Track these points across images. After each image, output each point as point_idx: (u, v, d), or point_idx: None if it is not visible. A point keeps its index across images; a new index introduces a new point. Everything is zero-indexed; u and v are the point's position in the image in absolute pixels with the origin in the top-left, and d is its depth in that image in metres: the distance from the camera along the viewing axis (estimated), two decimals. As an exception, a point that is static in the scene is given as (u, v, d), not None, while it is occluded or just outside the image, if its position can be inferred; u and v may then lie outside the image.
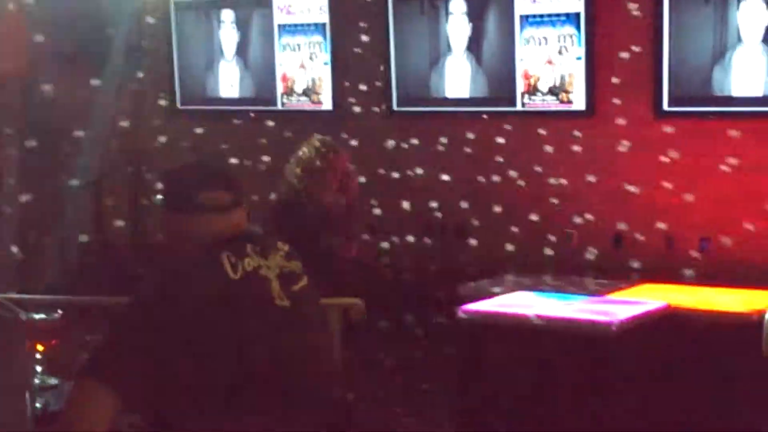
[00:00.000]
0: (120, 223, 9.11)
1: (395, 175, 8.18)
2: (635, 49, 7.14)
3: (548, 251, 7.41)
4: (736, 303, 5.86)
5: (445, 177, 7.94)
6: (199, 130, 8.86)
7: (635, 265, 7.12)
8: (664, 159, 7.09)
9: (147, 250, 8.50)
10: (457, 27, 7.78)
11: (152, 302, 2.35)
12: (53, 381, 3.11)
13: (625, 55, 7.18)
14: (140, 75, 9.18)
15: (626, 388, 5.34)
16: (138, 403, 2.33)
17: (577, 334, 5.31)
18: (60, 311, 3.23)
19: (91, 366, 2.32)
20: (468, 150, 7.85)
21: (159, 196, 2.57)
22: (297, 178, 5.21)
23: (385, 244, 8.25)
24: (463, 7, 7.73)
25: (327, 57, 8.39)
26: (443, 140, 7.95)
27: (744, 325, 5.21)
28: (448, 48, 7.81)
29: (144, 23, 9.19)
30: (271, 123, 8.55)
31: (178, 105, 9.22)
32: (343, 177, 5.24)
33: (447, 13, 7.81)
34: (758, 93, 6.71)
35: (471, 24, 7.71)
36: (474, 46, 7.72)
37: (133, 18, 9.03)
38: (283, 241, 4.84)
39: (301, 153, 5.31)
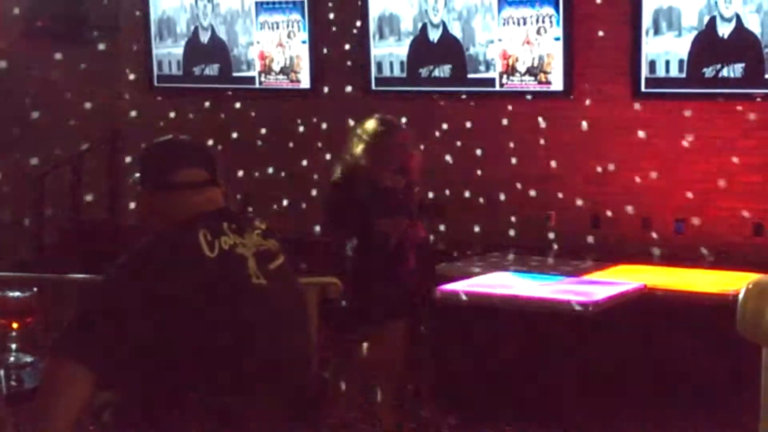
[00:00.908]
0: (95, 200, 9.05)
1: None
2: (613, 29, 7.16)
3: (531, 232, 7.43)
4: (711, 283, 5.90)
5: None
6: (174, 109, 8.80)
7: (613, 245, 7.15)
8: (642, 140, 7.12)
9: (123, 228, 8.44)
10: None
11: (126, 279, 2.33)
12: (28, 359, 3.08)
13: (603, 35, 7.19)
14: (115, 52, 9.10)
15: (603, 367, 5.36)
16: (113, 380, 2.32)
17: (554, 314, 5.32)
18: (34, 289, 3.21)
19: (67, 343, 2.30)
20: (443, 130, 7.85)
21: (136, 174, 2.54)
22: (354, 157, 4.97)
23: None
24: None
25: (305, 35, 8.35)
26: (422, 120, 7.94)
27: (719, 304, 5.24)
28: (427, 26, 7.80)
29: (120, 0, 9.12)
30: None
31: (154, 82, 9.14)
32: (402, 156, 4.96)
33: (426, -8, 7.79)
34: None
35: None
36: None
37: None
38: (337, 222, 4.83)
39: (359, 131, 5.02)
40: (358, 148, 5.03)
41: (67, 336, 2.33)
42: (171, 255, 2.35)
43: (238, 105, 8.68)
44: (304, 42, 8.37)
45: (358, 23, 8.05)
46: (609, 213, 7.25)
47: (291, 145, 8.52)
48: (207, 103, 8.78)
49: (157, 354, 2.30)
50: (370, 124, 5.07)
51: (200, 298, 2.32)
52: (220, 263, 2.36)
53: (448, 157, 7.79)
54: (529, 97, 7.43)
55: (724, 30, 6.78)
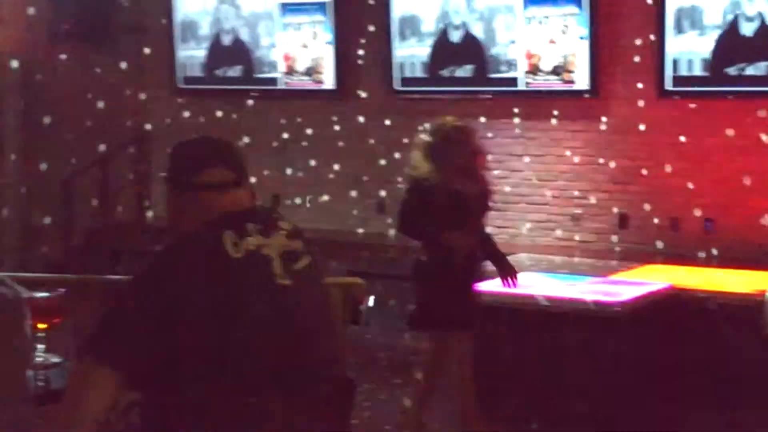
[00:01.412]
0: (123, 202, 9.10)
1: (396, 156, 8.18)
2: (638, 28, 7.11)
3: (557, 232, 7.40)
4: (739, 283, 5.85)
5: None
6: (201, 110, 8.83)
7: (640, 245, 7.11)
8: (668, 139, 7.08)
9: (149, 229, 8.48)
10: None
11: (153, 281, 2.33)
12: (55, 359, 3.09)
13: (628, 34, 7.15)
14: (141, 53, 9.15)
15: (631, 367, 5.33)
16: (139, 381, 2.32)
17: (582, 314, 5.30)
18: (62, 289, 3.22)
19: (93, 344, 2.31)
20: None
21: (163, 175, 2.54)
22: (418, 163, 4.92)
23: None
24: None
25: (329, 36, 8.36)
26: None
27: (746, 304, 5.20)
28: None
29: (145, 1, 9.15)
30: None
31: (179, 84, 9.18)
32: (469, 160, 4.87)
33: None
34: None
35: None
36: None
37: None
38: (408, 228, 4.76)
39: (423, 135, 4.94)
40: (418, 154, 5.02)
41: (94, 337, 2.34)
42: (196, 257, 2.35)
43: (262, 104, 8.70)
44: (328, 43, 8.37)
45: (380, 25, 8.03)
46: (636, 213, 7.20)
47: (318, 145, 8.54)
48: (233, 104, 8.80)
49: (183, 355, 2.30)
50: (431, 129, 5.05)
51: (226, 299, 2.31)
52: (246, 264, 2.36)
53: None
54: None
55: (748, 29, 6.72)
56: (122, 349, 2.29)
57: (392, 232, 8.09)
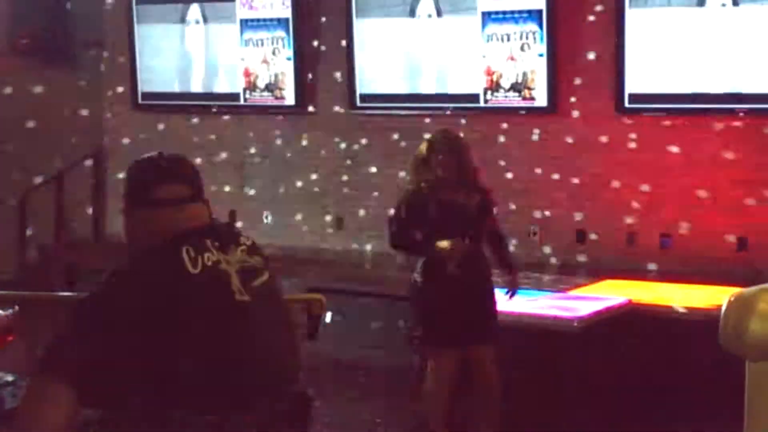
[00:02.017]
0: (79, 217, 9.02)
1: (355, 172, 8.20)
2: (597, 46, 7.19)
3: (512, 247, 7.43)
4: (695, 298, 5.91)
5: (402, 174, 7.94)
6: (160, 126, 8.80)
7: (598, 260, 7.16)
8: (624, 155, 7.15)
9: (107, 246, 8.41)
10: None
11: (110, 296, 2.31)
12: (9, 377, 3.06)
13: (586, 52, 7.23)
14: (100, 69, 9.09)
15: (589, 382, 5.36)
16: (95, 399, 2.30)
17: (540, 329, 5.32)
18: (16, 307, 3.18)
19: (49, 360, 2.28)
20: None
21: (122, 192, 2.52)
22: (409, 175, 4.89)
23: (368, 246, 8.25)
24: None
25: (290, 52, 8.36)
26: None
27: (703, 319, 5.25)
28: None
29: (105, 16, 9.10)
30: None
31: (140, 99, 9.13)
32: (458, 170, 4.73)
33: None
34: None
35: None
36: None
37: (93, 10, 8.92)
38: (398, 241, 4.71)
39: (422, 145, 4.92)
40: (414, 165, 4.98)
41: (50, 353, 2.31)
42: (154, 272, 2.34)
43: (222, 121, 8.68)
44: (289, 59, 8.38)
45: (344, 42, 8.05)
46: (594, 228, 7.26)
47: (277, 161, 8.53)
48: (193, 120, 8.77)
49: (140, 371, 2.28)
50: (431, 139, 5.01)
51: (184, 314, 2.30)
52: (204, 279, 2.35)
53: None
54: (522, 112, 7.45)
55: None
56: (79, 367, 2.27)
57: (353, 246, 8.11)
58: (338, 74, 8.14)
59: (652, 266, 7.03)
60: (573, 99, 7.29)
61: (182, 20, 8.81)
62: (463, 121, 7.53)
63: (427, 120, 7.79)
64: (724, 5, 6.70)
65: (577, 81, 7.27)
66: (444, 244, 4.76)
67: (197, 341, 2.30)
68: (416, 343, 5.08)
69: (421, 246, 4.87)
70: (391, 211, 5.16)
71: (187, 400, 2.30)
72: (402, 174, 7.87)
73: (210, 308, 2.34)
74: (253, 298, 2.42)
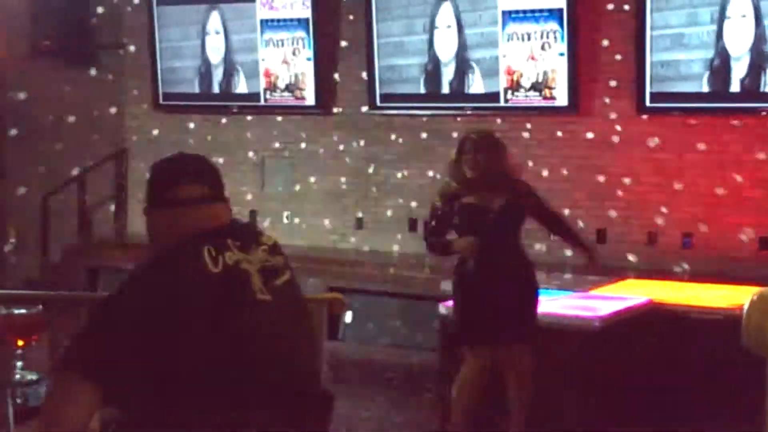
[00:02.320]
0: (102, 218, 9.07)
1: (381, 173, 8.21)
2: (618, 45, 7.17)
3: (536, 247, 7.42)
4: (717, 298, 5.88)
5: (430, 173, 7.95)
6: (181, 126, 8.83)
7: (619, 260, 7.14)
8: (646, 155, 7.13)
9: (129, 246, 8.45)
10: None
11: (132, 296, 2.33)
12: (33, 376, 3.08)
13: (607, 51, 7.20)
14: (121, 69, 9.14)
15: (610, 382, 5.35)
16: (117, 396, 2.32)
17: (561, 329, 5.31)
18: (40, 306, 3.21)
19: (70, 358, 2.30)
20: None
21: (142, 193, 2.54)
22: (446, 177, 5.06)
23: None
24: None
25: (310, 53, 8.38)
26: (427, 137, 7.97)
27: (725, 319, 5.23)
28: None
29: (126, 17, 9.15)
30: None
31: (161, 100, 9.18)
32: (486, 170, 4.76)
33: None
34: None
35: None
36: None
37: (114, 12, 8.97)
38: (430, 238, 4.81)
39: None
40: (448, 167, 5.04)
41: (72, 351, 2.33)
42: (175, 271, 2.35)
43: (244, 121, 8.70)
44: (309, 59, 8.39)
45: (361, 41, 8.06)
46: (615, 227, 7.24)
47: (299, 161, 8.55)
48: (213, 120, 8.80)
49: (162, 370, 2.30)
50: (462, 139, 5.06)
51: (206, 313, 2.31)
52: (225, 278, 2.36)
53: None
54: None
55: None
56: (102, 364, 2.28)
57: (367, 248, 8.12)
58: (360, 74, 8.15)
59: (673, 266, 7.00)
60: (594, 98, 7.27)
61: (202, 21, 8.85)
62: (483, 122, 7.52)
63: (448, 119, 7.80)
64: (744, 16, 6.67)
65: (599, 80, 7.24)
66: (460, 242, 4.87)
67: (219, 340, 2.32)
68: (453, 341, 5.13)
69: (443, 246, 4.97)
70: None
71: (208, 398, 2.32)
72: (428, 174, 7.89)
73: (232, 306, 2.36)
74: (274, 297, 2.43)
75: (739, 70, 6.74)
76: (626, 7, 7.08)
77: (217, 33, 8.81)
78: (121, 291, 2.39)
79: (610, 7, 7.16)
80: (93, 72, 8.84)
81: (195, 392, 2.32)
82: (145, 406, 2.35)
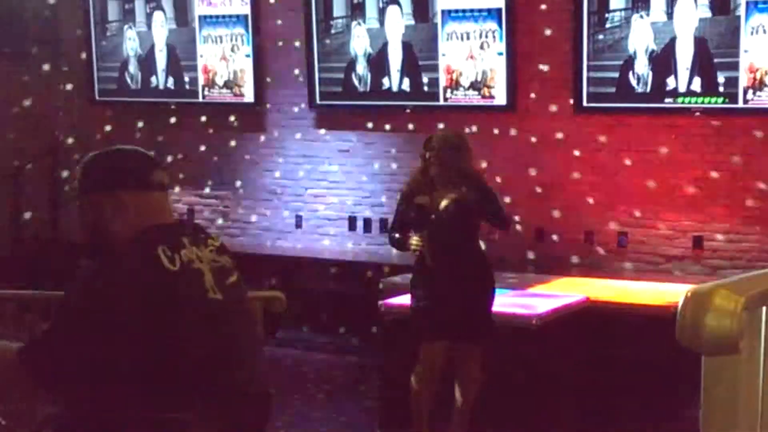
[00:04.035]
0: (37, 215, 8.92)
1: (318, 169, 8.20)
2: (556, 45, 7.24)
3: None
4: (653, 295, 5.98)
5: (366, 172, 7.96)
6: (115, 122, 8.72)
7: (557, 258, 7.21)
8: (584, 154, 7.21)
9: (65, 244, 8.32)
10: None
11: (89, 299, 2.28)
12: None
13: (545, 51, 7.27)
14: (57, 66, 8.99)
15: (547, 379, 5.40)
16: (61, 394, 2.32)
17: (499, 327, 5.34)
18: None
19: (27, 357, 2.27)
20: (393, 143, 7.88)
21: (91, 178, 2.49)
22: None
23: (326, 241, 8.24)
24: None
25: (249, 49, 8.33)
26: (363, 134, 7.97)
27: (660, 315, 5.31)
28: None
29: (61, 11, 9.00)
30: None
31: (96, 96, 9.06)
32: (436, 171, 4.89)
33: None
34: (675, 90, 6.87)
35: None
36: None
37: (49, 5, 8.82)
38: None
39: None
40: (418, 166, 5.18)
41: (31, 350, 2.32)
42: (132, 272, 2.32)
43: (180, 118, 8.62)
44: (248, 56, 8.34)
45: (303, 38, 8.04)
46: (553, 226, 7.31)
47: (235, 158, 8.50)
48: (149, 117, 8.70)
49: (114, 371, 2.28)
50: (427, 139, 5.18)
51: (163, 313, 2.29)
52: (181, 277, 2.35)
53: (388, 171, 7.83)
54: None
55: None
56: (55, 373, 2.30)
57: (314, 246, 8.10)
58: (297, 72, 8.13)
59: (609, 264, 7.10)
60: (532, 98, 7.33)
61: (140, 15, 8.75)
62: (422, 121, 7.55)
63: (388, 117, 7.81)
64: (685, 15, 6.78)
65: (537, 80, 7.31)
66: (411, 240, 4.98)
67: (171, 340, 2.30)
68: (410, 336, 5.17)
69: (399, 243, 5.12)
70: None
71: (156, 398, 2.30)
72: (364, 172, 7.91)
73: (186, 305, 2.34)
74: (225, 296, 2.43)
75: (673, 71, 6.85)
76: (564, 7, 7.15)
77: (155, 28, 8.72)
78: (78, 292, 2.36)
79: (549, 7, 7.22)
80: (26, 66, 8.68)
81: (144, 392, 2.30)
82: (90, 406, 2.33)
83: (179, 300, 2.32)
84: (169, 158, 8.16)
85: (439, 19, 7.52)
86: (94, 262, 2.39)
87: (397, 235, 5.10)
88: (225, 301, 2.42)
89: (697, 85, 6.78)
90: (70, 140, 8.78)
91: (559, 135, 7.26)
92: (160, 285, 2.31)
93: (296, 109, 8.21)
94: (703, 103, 6.78)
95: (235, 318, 2.46)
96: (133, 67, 8.85)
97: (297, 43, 8.09)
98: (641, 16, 6.89)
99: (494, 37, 7.35)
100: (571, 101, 7.16)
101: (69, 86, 8.98)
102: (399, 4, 7.68)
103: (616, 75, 7.01)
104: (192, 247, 2.41)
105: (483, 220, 5.17)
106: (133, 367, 2.28)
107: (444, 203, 4.98)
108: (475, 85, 7.47)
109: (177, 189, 8.39)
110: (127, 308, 2.27)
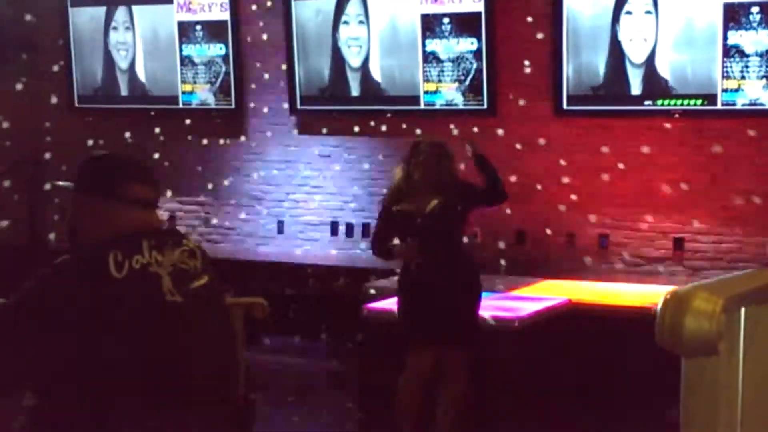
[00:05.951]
0: (13, 221, 8.86)
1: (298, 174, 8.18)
2: (536, 48, 7.25)
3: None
4: (634, 297, 5.99)
5: (348, 177, 7.94)
6: (96, 129, 8.67)
7: (538, 260, 7.23)
8: (565, 156, 7.22)
9: (42, 249, 8.27)
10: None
11: (35, 301, 2.29)
12: None
13: (525, 54, 7.29)
14: (36, 72, 8.94)
15: (529, 381, 5.40)
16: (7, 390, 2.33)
17: (481, 329, 5.34)
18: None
19: None
20: (375, 147, 7.88)
21: (67, 182, 2.50)
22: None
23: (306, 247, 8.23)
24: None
25: (230, 55, 8.29)
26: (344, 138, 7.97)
27: (641, 317, 5.33)
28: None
29: (39, 18, 8.95)
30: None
31: (76, 103, 9.01)
32: (417, 178, 4.90)
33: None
34: (654, 92, 6.89)
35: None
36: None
37: (27, 13, 8.77)
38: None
39: None
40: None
41: None
42: (74, 278, 2.33)
43: (160, 124, 8.59)
44: (228, 61, 8.32)
45: (284, 42, 8.03)
46: (534, 228, 7.32)
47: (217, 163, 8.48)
48: (130, 123, 8.66)
49: (70, 377, 2.27)
50: (413, 144, 5.17)
51: (107, 318, 2.29)
52: (129, 283, 2.34)
53: (372, 176, 7.82)
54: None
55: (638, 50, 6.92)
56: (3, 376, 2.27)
57: (296, 252, 8.08)
58: (278, 77, 8.11)
59: (591, 266, 7.12)
60: (513, 101, 7.34)
61: (119, 22, 8.72)
62: (403, 125, 7.55)
63: (369, 122, 7.81)
64: (649, 12, 6.82)
65: (517, 83, 7.32)
66: (400, 247, 4.99)
67: (124, 344, 2.29)
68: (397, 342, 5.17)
69: (387, 251, 5.09)
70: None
71: (119, 404, 2.29)
72: (346, 177, 7.89)
73: (137, 310, 2.34)
74: (186, 299, 2.41)
75: (652, 73, 6.88)
76: (544, 11, 7.17)
77: (134, 34, 8.68)
78: (23, 297, 2.37)
79: (528, 11, 7.24)
80: (4, 73, 8.63)
81: (106, 399, 2.29)
82: (53, 414, 2.32)
83: (126, 305, 2.33)
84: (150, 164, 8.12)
85: (419, 24, 7.53)
86: (47, 268, 2.40)
87: (385, 244, 5.05)
88: (187, 303, 2.41)
89: (676, 87, 6.82)
90: (48, 148, 8.73)
91: (540, 138, 7.27)
92: (102, 291, 2.32)
93: (277, 115, 8.20)
94: (682, 105, 6.82)
95: (199, 320, 2.45)
96: (112, 74, 8.81)
97: (278, 49, 8.07)
98: (621, 19, 6.92)
99: (474, 42, 7.36)
100: (552, 104, 7.18)
101: (49, 93, 8.92)
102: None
103: (595, 78, 7.03)
104: (153, 252, 2.41)
105: (483, 204, 5.14)
106: (85, 372, 2.28)
107: (430, 207, 4.98)
108: (456, 90, 7.47)
109: (165, 193, 8.36)
110: (69, 311, 2.29)
